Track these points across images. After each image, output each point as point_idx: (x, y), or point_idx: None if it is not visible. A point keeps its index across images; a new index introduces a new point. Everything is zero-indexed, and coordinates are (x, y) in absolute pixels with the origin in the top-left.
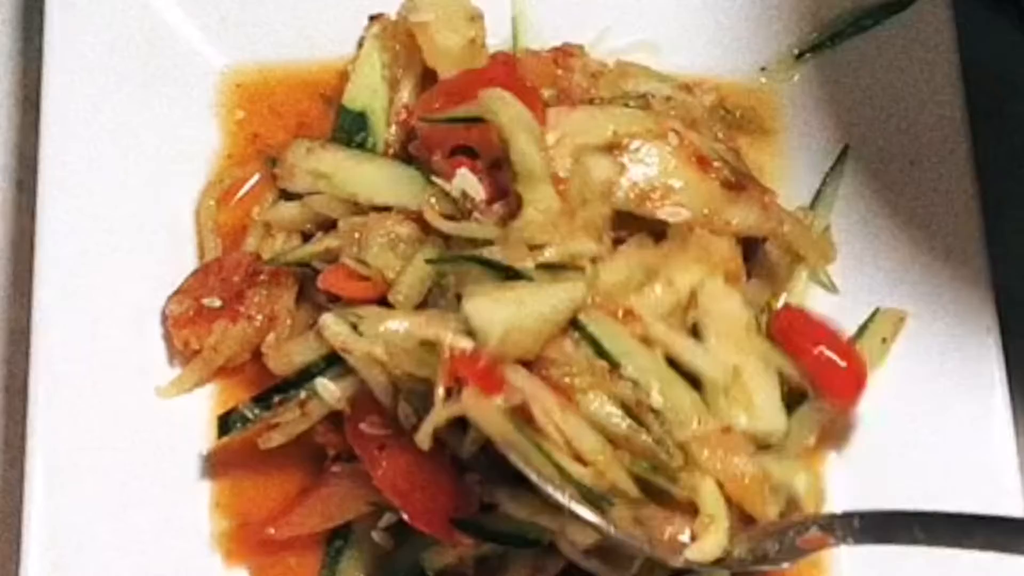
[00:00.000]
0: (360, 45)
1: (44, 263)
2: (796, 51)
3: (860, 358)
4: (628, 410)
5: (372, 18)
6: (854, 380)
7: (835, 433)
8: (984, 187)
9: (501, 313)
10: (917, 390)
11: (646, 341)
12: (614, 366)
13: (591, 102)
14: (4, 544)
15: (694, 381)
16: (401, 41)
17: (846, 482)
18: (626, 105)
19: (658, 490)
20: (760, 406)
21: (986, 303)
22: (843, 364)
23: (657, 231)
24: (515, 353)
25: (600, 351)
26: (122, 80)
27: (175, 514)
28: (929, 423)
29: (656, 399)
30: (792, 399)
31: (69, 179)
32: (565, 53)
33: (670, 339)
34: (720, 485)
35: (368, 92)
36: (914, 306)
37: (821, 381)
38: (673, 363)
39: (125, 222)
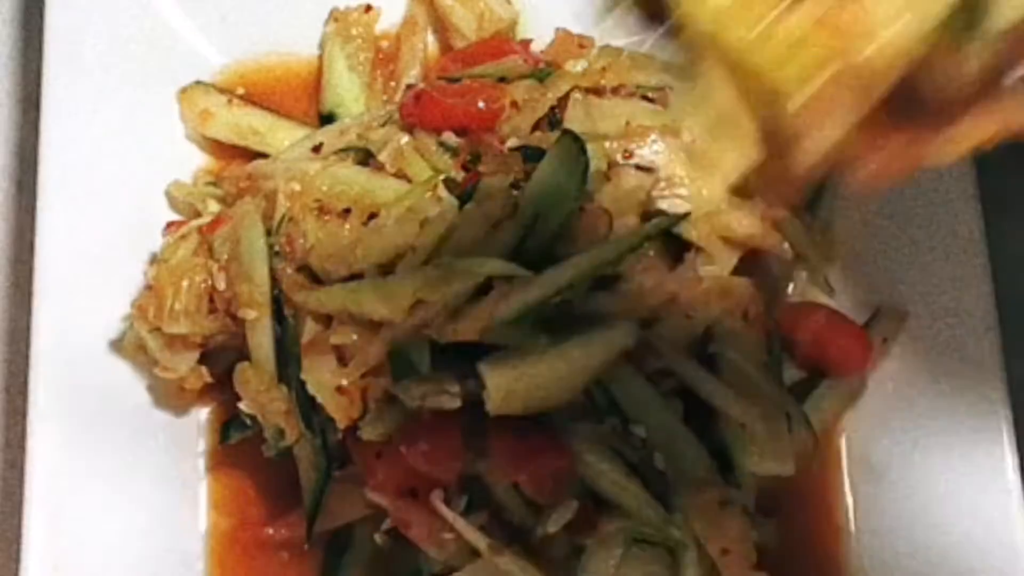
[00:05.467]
0: (321, 45)
1: (44, 263)
2: None
3: (859, 328)
4: (632, 466)
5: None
6: (858, 346)
7: (837, 433)
8: (984, 187)
9: (514, 386)
10: (917, 390)
11: (664, 373)
12: (625, 423)
13: (598, 92)
14: (4, 544)
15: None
16: (359, 32)
17: (848, 481)
18: (645, 98)
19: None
20: (771, 448)
21: (986, 303)
22: (844, 332)
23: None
24: (522, 411)
25: (615, 407)
26: (122, 80)
27: (175, 514)
28: (929, 423)
29: (659, 461)
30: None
31: (69, 179)
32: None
33: (689, 373)
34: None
35: (334, 92)
36: (914, 306)
37: (827, 354)
38: (688, 399)
39: (125, 222)
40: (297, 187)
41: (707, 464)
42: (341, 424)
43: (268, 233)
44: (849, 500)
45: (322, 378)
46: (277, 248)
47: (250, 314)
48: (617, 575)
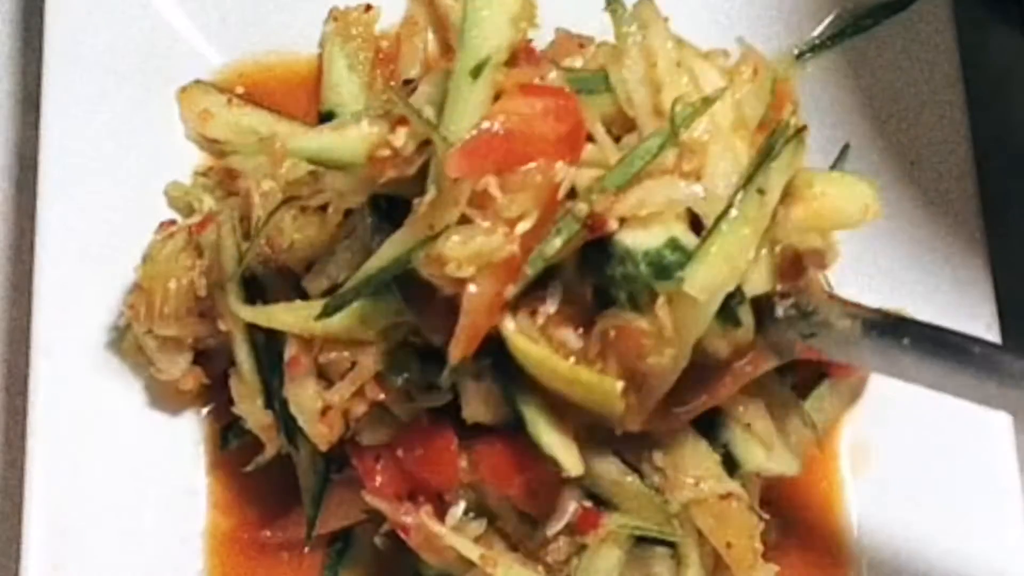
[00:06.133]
0: (321, 44)
1: (44, 263)
2: (796, 51)
3: None
4: (630, 464)
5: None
6: None
7: (838, 432)
8: (984, 187)
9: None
10: (917, 390)
11: None
12: None
13: None
14: (4, 544)
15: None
16: (359, 31)
17: (848, 479)
18: None
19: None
20: (776, 448)
21: (986, 303)
22: None
23: None
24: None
25: None
26: (122, 80)
27: (174, 515)
28: (929, 423)
29: (658, 459)
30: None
31: (69, 179)
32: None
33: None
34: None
35: (334, 91)
36: (914, 306)
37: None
38: None
39: (125, 222)
40: (268, 186)
41: (712, 461)
42: (322, 448)
43: (248, 236)
44: (850, 498)
45: (305, 400)
46: (258, 250)
47: (224, 326)
48: (619, 575)
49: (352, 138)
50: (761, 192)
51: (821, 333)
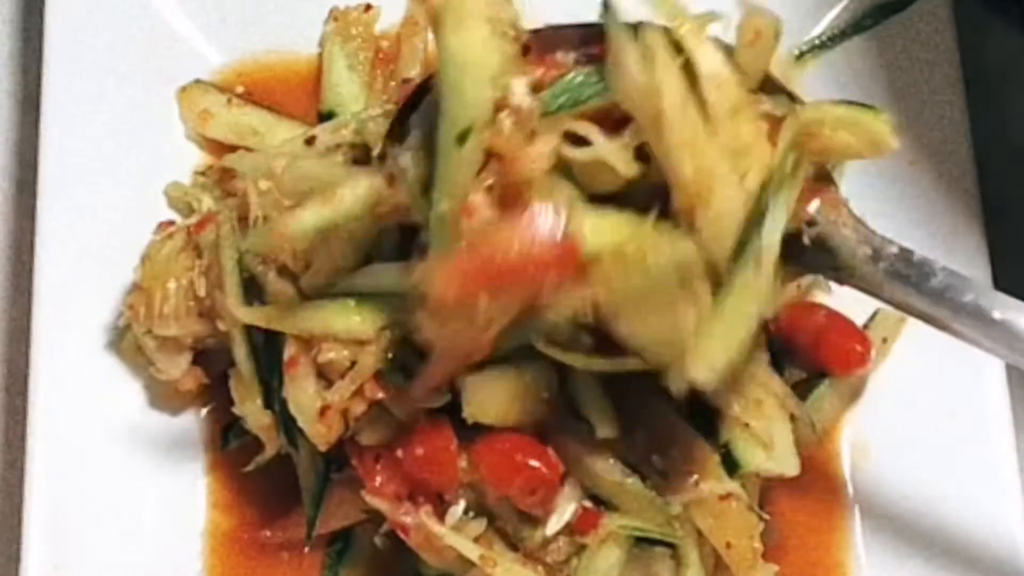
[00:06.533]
0: (321, 44)
1: (44, 263)
2: (796, 51)
3: (859, 328)
4: (631, 465)
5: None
6: (858, 346)
7: (838, 431)
8: (984, 187)
9: (489, 394)
10: (917, 390)
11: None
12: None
13: None
14: (4, 544)
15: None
16: (359, 31)
17: (849, 479)
18: None
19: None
20: (777, 446)
21: None
22: (844, 332)
23: None
24: (498, 421)
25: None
26: (122, 80)
27: (175, 515)
28: (929, 423)
29: (658, 460)
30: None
31: (69, 179)
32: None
33: None
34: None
35: (334, 91)
36: None
37: (827, 354)
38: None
39: (125, 222)
40: (265, 185)
41: (712, 461)
42: (322, 448)
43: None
44: (850, 498)
45: (304, 400)
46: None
47: (223, 326)
48: (619, 575)
49: (349, 203)
50: (758, 262)
51: (844, 271)
